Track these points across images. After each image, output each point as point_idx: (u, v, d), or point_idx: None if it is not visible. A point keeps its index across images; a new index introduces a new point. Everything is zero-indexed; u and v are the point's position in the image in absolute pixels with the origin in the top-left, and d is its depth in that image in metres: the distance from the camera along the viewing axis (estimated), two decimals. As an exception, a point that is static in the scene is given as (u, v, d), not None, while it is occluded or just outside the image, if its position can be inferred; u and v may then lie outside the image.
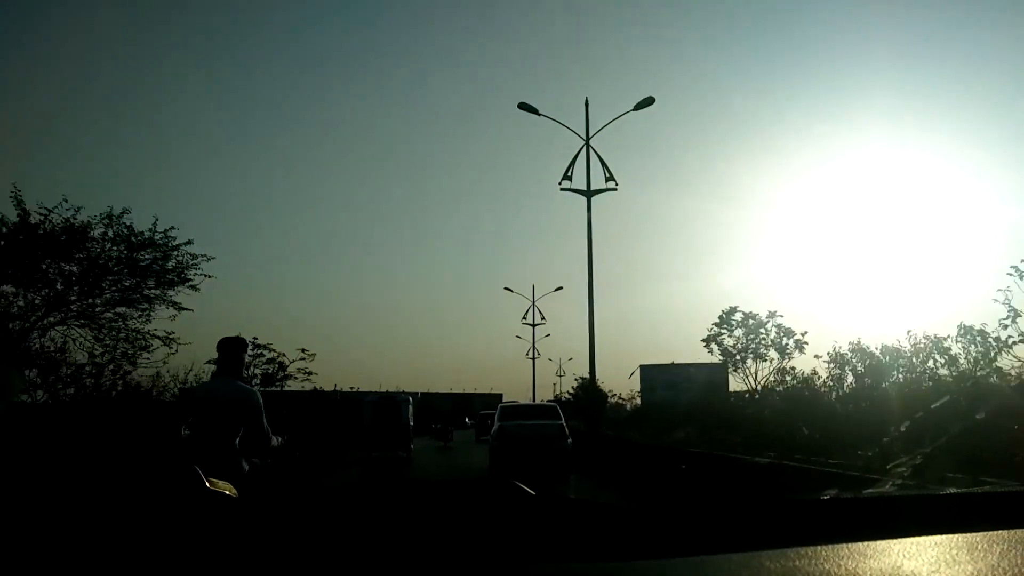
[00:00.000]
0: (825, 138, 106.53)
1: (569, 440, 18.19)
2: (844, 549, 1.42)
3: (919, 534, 1.52)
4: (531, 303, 38.72)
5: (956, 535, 1.52)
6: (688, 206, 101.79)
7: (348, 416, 37.15)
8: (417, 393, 72.69)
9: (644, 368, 41.73)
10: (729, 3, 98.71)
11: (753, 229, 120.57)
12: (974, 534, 1.52)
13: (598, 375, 25.09)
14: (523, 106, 22.75)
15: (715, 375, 36.05)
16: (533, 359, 58.59)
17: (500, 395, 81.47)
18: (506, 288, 51.50)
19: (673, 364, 41.06)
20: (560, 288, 48.67)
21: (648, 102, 22.10)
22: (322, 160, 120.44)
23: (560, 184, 23.09)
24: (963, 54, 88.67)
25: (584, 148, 22.90)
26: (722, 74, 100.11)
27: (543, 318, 52.16)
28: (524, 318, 53.68)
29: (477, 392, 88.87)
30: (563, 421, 18.88)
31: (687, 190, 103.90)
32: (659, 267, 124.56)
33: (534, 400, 43.06)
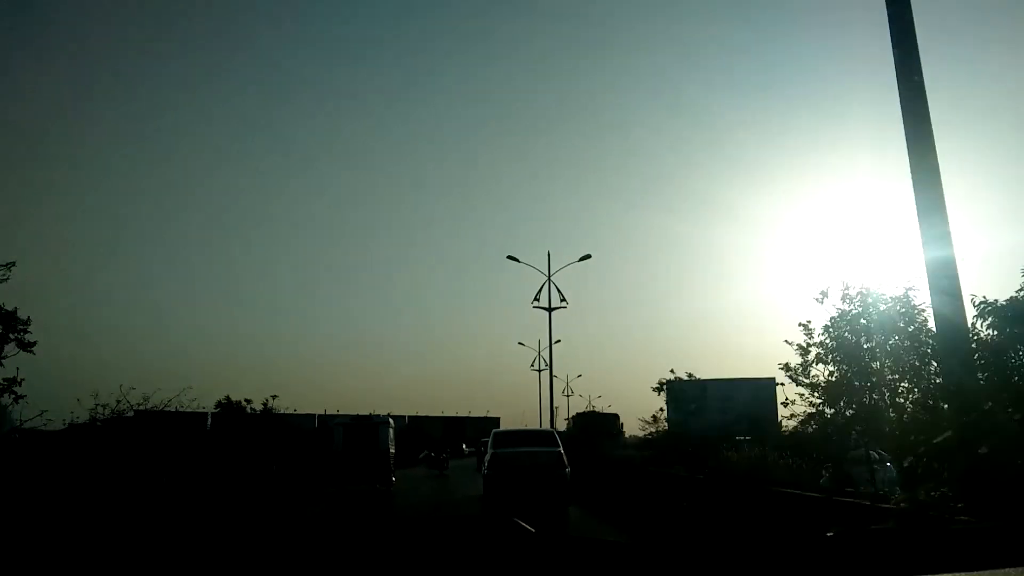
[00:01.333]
0: (816, 166, 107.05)
1: (568, 469, 17.07)
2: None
3: (925, 572, 1.50)
4: (547, 278, 35.25)
5: (962, 574, 1.49)
6: (683, 230, 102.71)
7: (317, 444, 33.76)
8: (404, 417, 67.03)
9: (672, 385, 37.22)
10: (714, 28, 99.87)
11: (751, 250, 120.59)
12: (981, 572, 1.50)
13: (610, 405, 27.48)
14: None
15: (761, 391, 32.21)
16: (539, 370, 55.32)
17: (497, 419, 76.69)
18: (510, 256, 50.62)
19: (710, 380, 35.99)
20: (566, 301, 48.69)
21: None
22: (311, 179, 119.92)
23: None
24: (956, 73, 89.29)
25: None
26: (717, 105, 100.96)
27: (546, 364, 50.56)
28: (532, 365, 55.37)
29: (471, 416, 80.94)
30: (561, 448, 17.69)
31: (683, 215, 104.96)
32: (665, 287, 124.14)
33: (552, 418, 42.38)
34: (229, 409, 38.23)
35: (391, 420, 26.97)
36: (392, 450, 25.59)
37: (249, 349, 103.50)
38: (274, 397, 37.41)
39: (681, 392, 31.16)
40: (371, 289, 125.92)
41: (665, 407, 30.31)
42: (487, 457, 17.92)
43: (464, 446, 60.03)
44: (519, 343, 58.24)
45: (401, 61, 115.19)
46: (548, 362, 40.28)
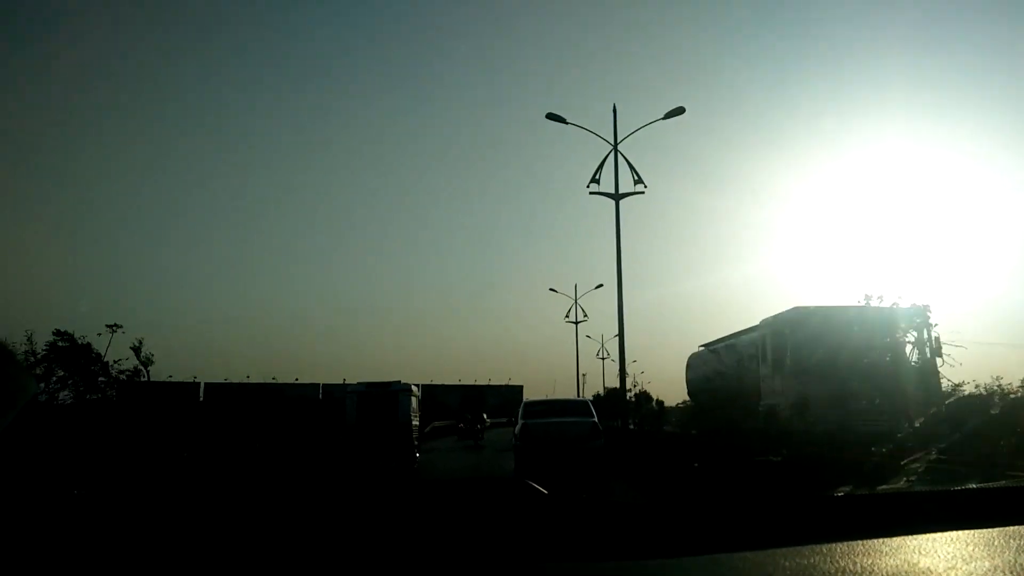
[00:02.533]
0: (839, 133, 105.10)
1: (602, 440, 16.05)
2: (860, 546, 1.41)
3: (935, 530, 1.50)
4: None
5: (972, 531, 1.50)
6: (711, 203, 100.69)
7: (321, 417, 30.42)
8: (416, 386, 61.07)
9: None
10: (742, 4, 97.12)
11: (777, 223, 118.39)
12: (990, 530, 1.50)
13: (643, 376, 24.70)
14: (551, 116, 23.61)
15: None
16: (575, 322, 49.07)
17: (520, 387, 69.76)
18: (552, 289, 48.61)
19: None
20: (600, 286, 43.67)
21: (679, 111, 22.85)
22: (340, 159, 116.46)
23: (588, 188, 23.39)
24: (979, 44, 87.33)
25: (612, 153, 23.32)
26: (740, 73, 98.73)
27: (584, 315, 47.93)
28: (567, 316, 49.13)
29: (491, 383, 70.95)
30: (596, 418, 16.65)
31: (711, 187, 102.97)
32: (688, 262, 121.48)
33: (579, 387, 38.72)
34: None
35: (413, 387, 22.77)
36: (415, 422, 22.17)
37: (248, 318, 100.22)
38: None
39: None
40: (370, 251, 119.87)
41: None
42: (517, 428, 17.06)
43: (485, 416, 56.47)
44: (550, 289, 48.43)
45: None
46: (617, 302, 23.94)
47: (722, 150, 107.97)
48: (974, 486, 1.95)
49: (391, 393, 21.60)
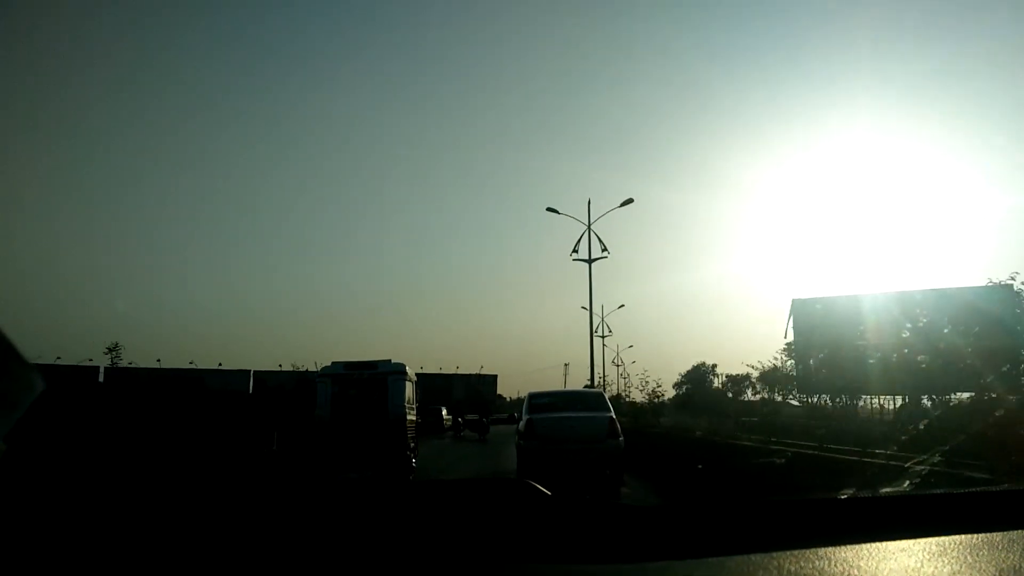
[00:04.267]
0: (812, 127, 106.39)
1: (621, 438, 13.84)
2: (865, 549, 1.40)
3: (940, 534, 1.49)
4: (586, 227, 31.16)
5: (976, 535, 1.49)
6: (678, 199, 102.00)
7: (290, 410, 24.36)
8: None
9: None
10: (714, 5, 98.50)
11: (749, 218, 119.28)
12: (993, 534, 1.49)
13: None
14: (550, 209, 32.68)
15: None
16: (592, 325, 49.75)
17: (493, 376, 63.00)
18: (550, 209, 48.90)
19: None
20: (623, 306, 49.46)
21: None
22: (334, 163, 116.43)
23: (571, 256, 32.56)
24: (947, 39, 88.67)
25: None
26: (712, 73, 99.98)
27: (609, 330, 47.64)
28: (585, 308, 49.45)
29: (459, 372, 61.29)
30: (612, 413, 14.39)
31: (682, 184, 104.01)
32: (669, 259, 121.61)
33: (593, 373, 35.10)
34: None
35: (408, 370, 16.86)
36: (411, 416, 16.82)
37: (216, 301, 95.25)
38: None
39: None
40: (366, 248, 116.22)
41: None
42: (521, 424, 14.62)
43: (444, 411, 42.15)
44: (572, 255, 52.43)
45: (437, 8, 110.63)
46: (590, 323, 34.15)
47: (704, 150, 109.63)
48: (977, 489, 1.94)
49: (378, 377, 16.03)
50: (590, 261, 32.63)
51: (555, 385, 58.27)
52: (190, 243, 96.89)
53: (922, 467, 6.33)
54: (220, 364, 42.22)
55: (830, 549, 1.39)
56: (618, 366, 58.37)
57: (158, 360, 43.52)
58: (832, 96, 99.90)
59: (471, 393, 52.23)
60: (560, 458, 13.09)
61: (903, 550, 1.42)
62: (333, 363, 16.77)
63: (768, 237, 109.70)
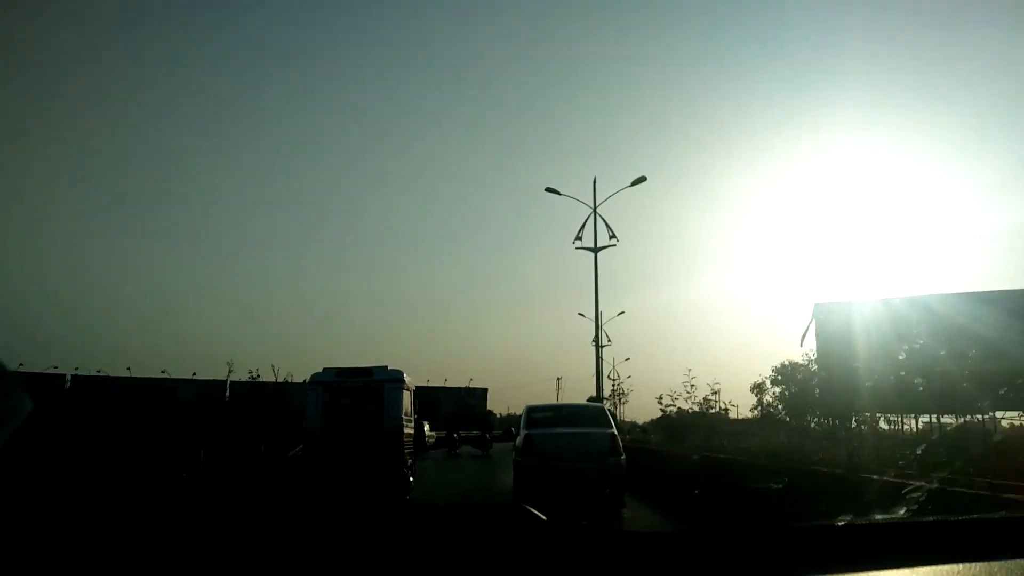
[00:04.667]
0: (795, 138, 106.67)
1: (623, 456, 13.32)
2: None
3: (937, 562, 1.49)
4: (592, 210, 27.86)
5: (974, 563, 1.49)
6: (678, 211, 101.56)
7: (268, 420, 23.56)
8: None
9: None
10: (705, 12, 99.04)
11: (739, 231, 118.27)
12: (992, 563, 1.49)
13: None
14: (549, 189, 29.26)
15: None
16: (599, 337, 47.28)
17: (484, 390, 59.92)
18: (580, 314, 45.46)
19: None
20: (622, 313, 44.21)
21: (641, 180, 28.35)
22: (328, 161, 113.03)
23: (573, 244, 28.55)
24: (935, 49, 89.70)
25: (592, 215, 28.43)
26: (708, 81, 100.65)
27: (608, 339, 44.94)
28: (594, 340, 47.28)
29: (447, 385, 57.02)
30: (615, 429, 13.95)
31: (676, 196, 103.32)
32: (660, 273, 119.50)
33: (600, 385, 32.25)
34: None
35: (407, 378, 15.58)
36: (409, 429, 15.59)
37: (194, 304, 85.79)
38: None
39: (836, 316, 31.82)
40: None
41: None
42: (518, 440, 14.13)
43: (427, 426, 36.88)
44: (580, 314, 45.63)
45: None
46: (596, 320, 31.25)
47: (693, 163, 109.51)
48: (975, 516, 1.93)
49: (374, 386, 14.86)
50: (596, 249, 27.85)
51: (547, 400, 56.09)
52: (165, 245, 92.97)
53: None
54: (194, 373, 37.57)
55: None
56: (613, 380, 56.59)
57: (128, 368, 40.03)
58: (825, 102, 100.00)
59: (460, 407, 49.90)
60: (559, 476, 12.65)
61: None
62: (324, 369, 15.34)
63: (762, 249, 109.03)
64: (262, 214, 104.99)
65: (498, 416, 67.65)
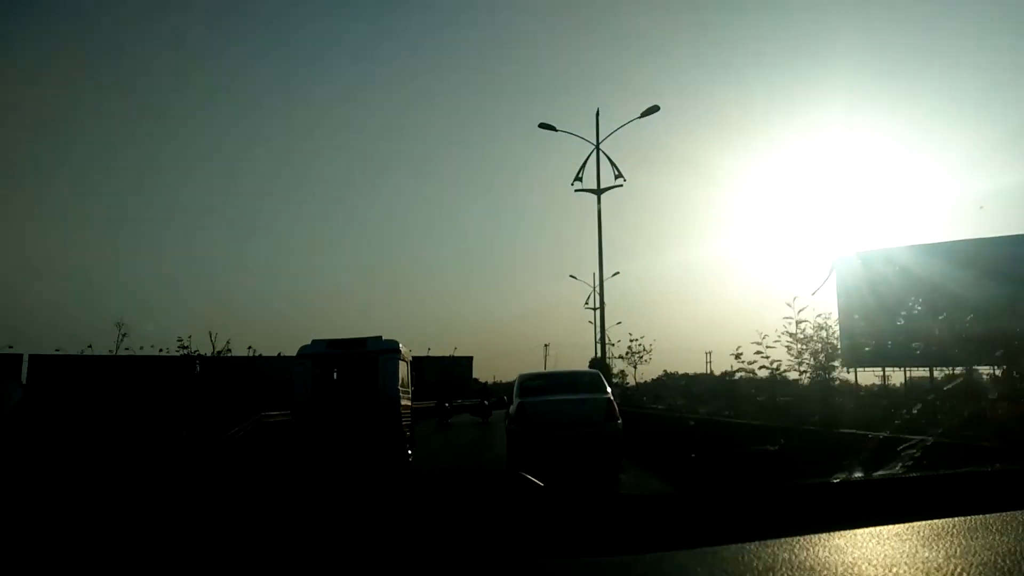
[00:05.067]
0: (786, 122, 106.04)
1: (619, 421, 12.93)
2: (859, 535, 1.39)
3: (933, 516, 1.49)
4: (594, 146, 25.26)
5: (971, 517, 1.49)
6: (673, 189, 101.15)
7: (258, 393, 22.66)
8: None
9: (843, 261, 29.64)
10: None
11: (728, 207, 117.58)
12: (990, 516, 1.49)
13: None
14: (543, 125, 25.91)
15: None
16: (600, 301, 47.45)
17: (469, 358, 57.84)
18: (571, 276, 48.07)
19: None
20: (617, 273, 43.03)
21: (653, 110, 24.60)
22: (322, 150, 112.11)
23: (573, 186, 25.62)
24: (923, 38, 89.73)
25: (594, 152, 25.49)
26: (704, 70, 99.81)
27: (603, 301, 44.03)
28: (587, 302, 47.23)
29: (430, 355, 53.36)
30: (610, 394, 13.53)
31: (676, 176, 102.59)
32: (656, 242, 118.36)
33: (603, 346, 30.41)
34: None
35: (402, 347, 14.96)
36: (406, 401, 14.98)
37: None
38: None
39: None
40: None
41: None
42: (511, 408, 13.76)
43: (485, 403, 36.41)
44: (571, 276, 48.99)
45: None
46: (599, 272, 28.34)
47: (690, 143, 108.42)
48: (971, 470, 1.93)
49: (368, 357, 14.25)
50: (599, 192, 25.09)
51: (534, 368, 54.94)
52: (143, 224, 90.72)
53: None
54: (161, 350, 35.04)
55: (825, 535, 1.38)
56: (613, 343, 55.87)
57: (89, 346, 38.67)
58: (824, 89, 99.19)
59: (445, 377, 48.23)
60: (554, 444, 12.25)
61: (898, 535, 1.41)
62: (314, 341, 14.59)
63: (749, 223, 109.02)
64: (235, 185, 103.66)
65: (484, 385, 66.12)
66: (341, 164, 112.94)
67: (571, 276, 47.65)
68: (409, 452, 15.02)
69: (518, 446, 12.81)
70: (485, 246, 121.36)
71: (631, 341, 45.07)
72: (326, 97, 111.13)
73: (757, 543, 1.35)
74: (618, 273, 42.20)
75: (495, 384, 62.84)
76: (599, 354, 28.74)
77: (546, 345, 78.37)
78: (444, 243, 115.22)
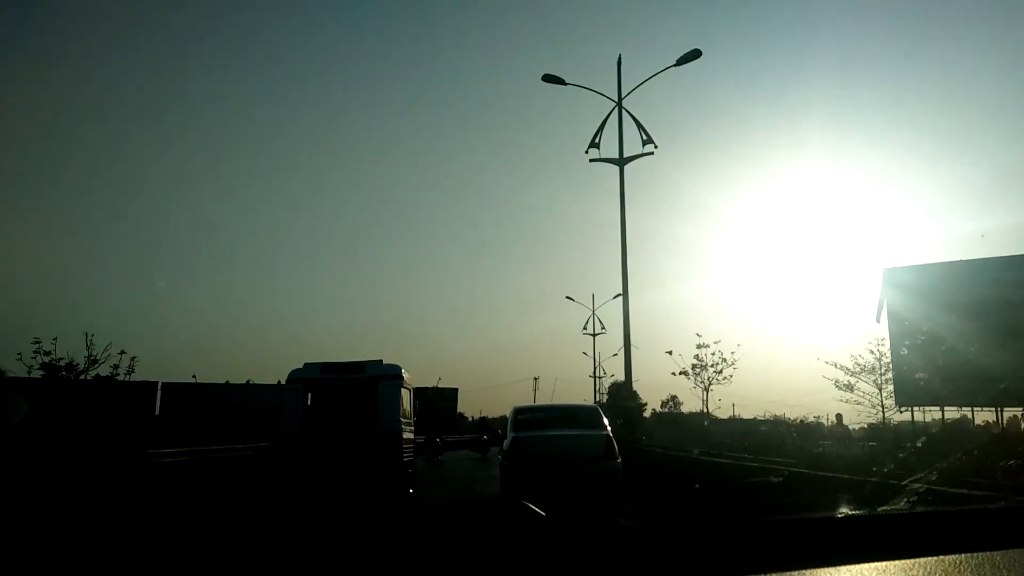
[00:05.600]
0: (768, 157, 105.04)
1: (618, 460, 12.40)
2: (864, 570, 1.38)
3: (937, 553, 1.48)
4: (616, 103, 19.90)
5: (974, 554, 1.48)
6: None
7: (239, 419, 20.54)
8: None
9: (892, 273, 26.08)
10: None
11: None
12: (995, 553, 1.48)
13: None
14: (547, 77, 21.19)
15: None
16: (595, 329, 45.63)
17: (454, 390, 56.21)
18: (568, 297, 46.54)
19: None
20: (619, 296, 40.18)
21: (695, 54, 19.59)
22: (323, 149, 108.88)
23: (587, 153, 20.37)
24: (902, 67, 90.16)
25: (616, 110, 19.98)
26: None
27: (603, 327, 44.04)
28: (584, 328, 46.86)
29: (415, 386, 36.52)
30: (609, 431, 13.00)
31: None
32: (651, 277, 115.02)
33: (596, 383, 31.25)
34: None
35: (404, 373, 13.72)
36: (408, 434, 13.82)
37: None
38: None
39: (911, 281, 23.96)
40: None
41: None
42: (505, 444, 13.15)
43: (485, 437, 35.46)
44: (568, 298, 48.75)
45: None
46: (622, 275, 21.31)
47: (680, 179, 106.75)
48: (975, 507, 1.92)
49: (366, 383, 13.09)
50: (621, 162, 19.85)
51: (522, 403, 53.52)
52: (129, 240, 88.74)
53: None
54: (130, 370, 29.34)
55: (831, 570, 1.37)
56: (600, 377, 52.64)
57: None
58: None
59: (428, 408, 46.07)
60: (550, 482, 11.66)
61: (903, 570, 1.40)
62: (305, 365, 13.30)
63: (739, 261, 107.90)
64: (211, 200, 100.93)
65: (469, 420, 63.19)
66: (319, 184, 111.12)
67: (568, 298, 45.20)
68: (411, 492, 14.11)
69: (511, 484, 12.23)
70: (473, 271, 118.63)
71: (700, 347, 31.79)
72: (305, 113, 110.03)
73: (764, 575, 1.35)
74: (619, 296, 40.83)
75: (480, 419, 62.70)
76: (626, 376, 22.85)
77: (536, 378, 74.96)
78: (426, 266, 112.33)
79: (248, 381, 33.73)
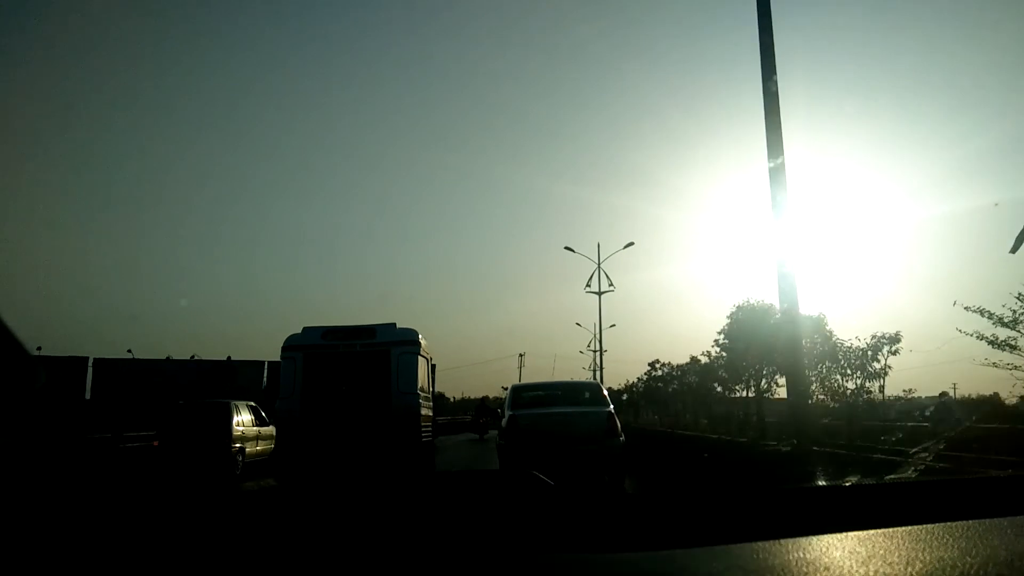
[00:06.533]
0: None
1: (621, 438, 11.74)
2: (871, 536, 1.39)
3: (943, 520, 1.49)
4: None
5: (977, 521, 1.49)
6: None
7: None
8: (263, 363, 31.19)
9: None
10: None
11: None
12: (1002, 519, 1.49)
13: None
14: (567, 248, 39.74)
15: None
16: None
17: (432, 366, 52.83)
18: (567, 248, 45.06)
19: None
20: (631, 243, 43.80)
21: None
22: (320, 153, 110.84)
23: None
24: (878, 59, 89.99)
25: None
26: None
27: (611, 283, 43.94)
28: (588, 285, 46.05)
29: None
30: (611, 408, 12.22)
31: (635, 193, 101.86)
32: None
33: (600, 360, 33.55)
34: None
35: (420, 339, 11.94)
36: (427, 411, 12.10)
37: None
38: None
39: None
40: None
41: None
42: (503, 422, 12.47)
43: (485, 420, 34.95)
44: (566, 247, 46.41)
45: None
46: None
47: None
48: (980, 475, 1.93)
49: (378, 351, 11.21)
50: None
51: (508, 381, 51.78)
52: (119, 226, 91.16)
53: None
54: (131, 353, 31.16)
55: (837, 536, 1.39)
56: (593, 352, 53.62)
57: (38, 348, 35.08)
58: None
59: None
60: (550, 461, 10.93)
61: (910, 535, 1.41)
62: (304, 329, 11.33)
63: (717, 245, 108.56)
64: (197, 182, 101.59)
65: (451, 400, 60.56)
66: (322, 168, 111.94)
67: (567, 248, 44.79)
68: (431, 460, 13.11)
69: (510, 462, 11.63)
70: (475, 258, 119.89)
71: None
72: (312, 104, 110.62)
73: (766, 542, 1.36)
74: (631, 244, 44.12)
75: (463, 399, 60.58)
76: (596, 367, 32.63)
77: (521, 355, 74.57)
78: (406, 240, 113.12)
79: (193, 356, 32.42)
